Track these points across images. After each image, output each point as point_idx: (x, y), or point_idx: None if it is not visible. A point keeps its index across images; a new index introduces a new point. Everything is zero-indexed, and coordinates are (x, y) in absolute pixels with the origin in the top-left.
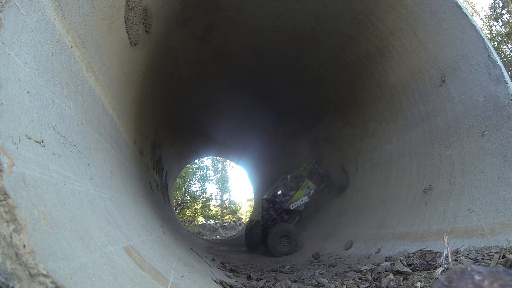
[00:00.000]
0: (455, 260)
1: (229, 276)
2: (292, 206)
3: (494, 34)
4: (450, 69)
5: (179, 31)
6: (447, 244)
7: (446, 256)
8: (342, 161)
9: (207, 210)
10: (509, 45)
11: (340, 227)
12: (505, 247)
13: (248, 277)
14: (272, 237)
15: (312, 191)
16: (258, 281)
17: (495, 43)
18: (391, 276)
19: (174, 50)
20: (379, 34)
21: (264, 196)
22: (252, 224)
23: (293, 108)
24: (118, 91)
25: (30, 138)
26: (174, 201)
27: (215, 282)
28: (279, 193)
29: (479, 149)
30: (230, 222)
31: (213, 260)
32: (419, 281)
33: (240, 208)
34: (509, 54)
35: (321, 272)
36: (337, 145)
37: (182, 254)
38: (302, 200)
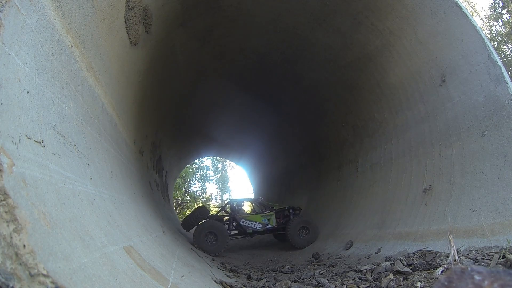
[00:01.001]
0: (455, 260)
1: (229, 276)
2: (242, 221)
3: (494, 34)
4: (450, 69)
5: (179, 31)
6: (453, 243)
7: (453, 255)
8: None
9: None
10: (509, 45)
11: (340, 227)
12: (505, 247)
13: (248, 277)
14: (200, 229)
15: (269, 226)
16: (258, 281)
17: (495, 43)
18: (391, 276)
19: (174, 50)
20: (379, 34)
21: (232, 198)
22: (201, 209)
23: (293, 108)
24: (118, 91)
25: (30, 138)
26: (174, 201)
27: (215, 282)
28: (243, 203)
29: (479, 149)
30: None
31: (213, 260)
32: (419, 281)
33: None
34: (509, 54)
35: (321, 272)
36: (337, 145)
37: (182, 254)
38: (253, 224)
